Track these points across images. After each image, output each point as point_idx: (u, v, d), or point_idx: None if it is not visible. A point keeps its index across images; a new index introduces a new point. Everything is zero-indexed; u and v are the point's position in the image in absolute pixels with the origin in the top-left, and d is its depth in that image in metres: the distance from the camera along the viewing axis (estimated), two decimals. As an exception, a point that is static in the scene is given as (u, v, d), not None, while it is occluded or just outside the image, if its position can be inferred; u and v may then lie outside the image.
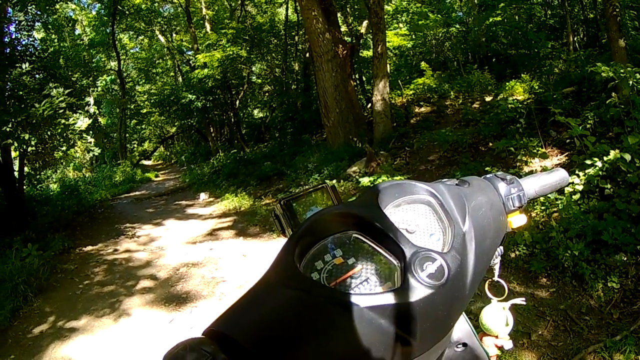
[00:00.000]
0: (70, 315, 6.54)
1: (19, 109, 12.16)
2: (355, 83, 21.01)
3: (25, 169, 14.68)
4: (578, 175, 6.61)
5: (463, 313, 1.05)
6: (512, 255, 6.18)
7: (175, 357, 0.72)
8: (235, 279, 7.56)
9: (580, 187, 6.53)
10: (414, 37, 21.61)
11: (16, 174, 13.96)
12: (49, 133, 13.40)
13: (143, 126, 40.03)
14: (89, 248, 10.27)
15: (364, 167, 12.12)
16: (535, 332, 4.80)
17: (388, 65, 17.15)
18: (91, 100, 32.40)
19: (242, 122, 28.65)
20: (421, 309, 0.77)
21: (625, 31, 13.02)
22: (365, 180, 10.16)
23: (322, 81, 15.48)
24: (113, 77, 37.70)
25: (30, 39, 17.07)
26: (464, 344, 1.07)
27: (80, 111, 15.70)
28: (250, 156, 20.72)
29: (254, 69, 27.87)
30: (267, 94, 29.35)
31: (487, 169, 7.89)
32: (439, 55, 21.94)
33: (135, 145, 44.60)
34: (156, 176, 29.82)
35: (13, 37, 15.82)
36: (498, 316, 1.18)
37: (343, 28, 21.67)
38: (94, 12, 34.89)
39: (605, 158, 6.26)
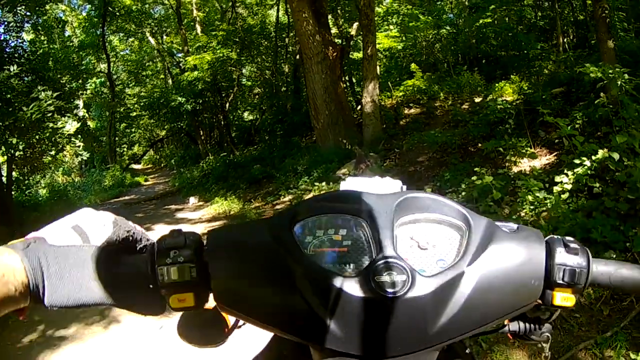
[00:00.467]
0: (59, 324, 6.40)
1: (6, 113, 12.05)
2: (345, 85, 20.97)
3: (14, 174, 14.55)
4: (567, 175, 6.60)
5: None
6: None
7: (169, 233, 0.95)
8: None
9: (569, 186, 6.52)
10: (404, 38, 21.57)
11: (4, 179, 13.82)
12: (37, 137, 13.30)
13: (133, 129, 39.90)
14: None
15: (354, 169, 12.09)
16: (525, 330, 4.77)
17: (378, 67, 17.16)
18: (80, 103, 32.27)
19: (232, 125, 28.60)
20: (354, 308, 0.82)
21: (614, 32, 13.07)
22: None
23: (311, 83, 15.45)
24: (103, 79, 37.61)
25: (19, 41, 16.95)
26: None
27: (69, 114, 15.59)
28: (240, 159, 20.70)
29: (244, 71, 27.92)
30: (257, 97, 29.30)
31: (476, 169, 7.84)
32: (429, 56, 21.97)
33: (125, 149, 44.47)
34: (146, 180, 29.75)
35: (2, 38, 15.69)
36: None
37: (333, 30, 21.68)
38: (84, 14, 34.84)
39: (593, 157, 6.24)
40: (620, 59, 10.10)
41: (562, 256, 0.92)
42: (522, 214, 6.81)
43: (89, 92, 36.79)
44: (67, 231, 0.93)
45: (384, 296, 0.81)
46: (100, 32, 30.87)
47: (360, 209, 0.96)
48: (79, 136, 16.10)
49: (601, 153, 6.12)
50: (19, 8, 16.56)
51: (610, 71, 6.65)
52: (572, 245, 0.94)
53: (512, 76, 15.38)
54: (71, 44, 33.99)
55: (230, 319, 1.12)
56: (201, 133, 29.03)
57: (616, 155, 5.92)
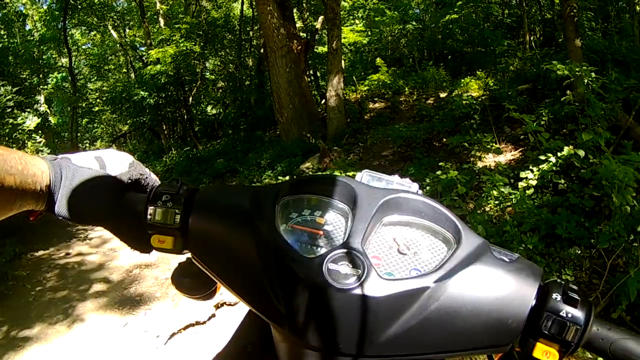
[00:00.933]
0: (23, 324, 6.29)
1: (-36, 109, 11.88)
2: (309, 79, 21.04)
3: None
4: (532, 171, 6.66)
5: None
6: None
7: (169, 181, 1.05)
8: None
9: (534, 182, 6.60)
10: (370, 33, 21.70)
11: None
12: (-5, 133, 13.13)
13: (95, 125, 39.84)
14: (41, 253, 10.02)
15: (318, 163, 12.08)
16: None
17: (343, 61, 17.29)
18: (41, 98, 31.97)
19: (195, 119, 28.50)
20: (304, 291, 0.81)
21: (582, 31, 13.20)
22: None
23: (275, 77, 15.39)
24: (64, 74, 37.23)
25: (-22, 36, 16.80)
26: None
27: (29, 110, 15.48)
28: (204, 154, 20.64)
29: (207, 64, 27.84)
30: (220, 91, 29.32)
31: (440, 163, 7.84)
32: (395, 51, 22.13)
33: (88, 145, 44.32)
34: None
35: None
36: None
37: (298, 23, 21.76)
38: (45, 7, 34.45)
39: (559, 154, 6.30)
40: (587, 57, 10.23)
41: (556, 303, 0.80)
42: (487, 209, 6.88)
43: (50, 87, 36.51)
44: (90, 158, 1.06)
45: (331, 285, 0.79)
46: (62, 26, 30.51)
47: (347, 197, 0.99)
48: (40, 132, 15.94)
49: (567, 150, 6.18)
50: (-23, 2, 16.42)
51: (577, 69, 6.69)
52: (573, 294, 0.81)
53: (478, 72, 15.52)
54: (32, 38, 33.68)
55: None
56: (164, 128, 28.90)
57: (582, 153, 5.99)
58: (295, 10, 20.94)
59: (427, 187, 8.01)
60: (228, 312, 5.70)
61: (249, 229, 0.92)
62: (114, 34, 33.62)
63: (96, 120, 37.05)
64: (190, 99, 26.24)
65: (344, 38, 18.62)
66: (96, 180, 1.01)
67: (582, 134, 6.06)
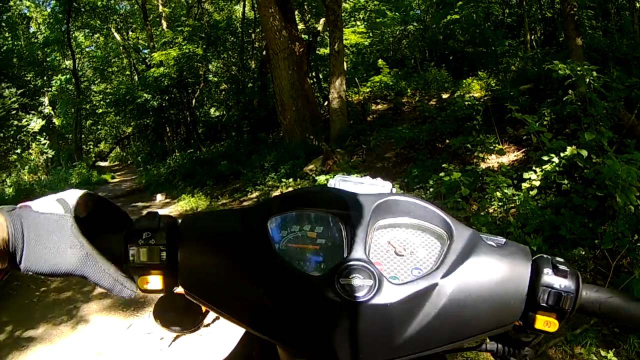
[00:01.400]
0: (27, 324, 6.32)
1: (-31, 110, 11.90)
2: (312, 81, 21.05)
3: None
4: (535, 172, 6.64)
5: None
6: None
7: (145, 215, 0.98)
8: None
9: (537, 183, 6.58)
10: (371, 34, 21.62)
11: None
12: (1, 135, 13.16)
13: (99, 127, 39.82)
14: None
15: (321, 165, 12.08)
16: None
17: (345, 63, 17.20)
18: (45, 100, 32.05)
19: (199, 121, 28.53)
20: (317, 310, 0.81)
21: (582, 30, 13.17)
22: (322, 178, 10.08)
23: (278, 79, 15.39)
24: (68, 76, 37.38)
25: (-17, 38, 16.82)
26: None
27: (33, 112, 15.52)
28: (207, 156, 20.62)
29: (210, 67, 27.84)
30: (223, 93, 29.30)
31: (443, 165, 7.85)
32: (397, 53, 22.09)
33: (91, 147, 44.39)
34: (113, 177, 29.52)
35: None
36: None
37: (300, 26, 21.71)
38: (48, 10, 34.53)
39: (562, 154, 6.28)
40: (589, 56, 10.20)
41: (548, 277, 0.86)
42: (491, 211, 6.86)
43: (54, 89, 36.68)
44: (52, 202, 0.94)
45: (348, 300, 0.79)
46: (65, 29, 30.63)
47: (338, 207, 0.97)
48: (44, 134, 15.99)
49: (569, 150, 6.16)
50: (-19, 5, 16.43)
51: (579, 68, 6.69)
52: (562, 267, 0.88)
53: (479, 73, 15.47)
54: (36, 40, 33.84)
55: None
56: (167, 130, 28.93)
57: (584, 153, 5.97)
58: (296, 13, 20.94)
59: (431, 189, 8.02)
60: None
61: (245, 253, 0.90)
62: (117, 37, 33.79)
63: (100, 122, 37.09)
64: (194, 101, 26.30)
65: (346, 40, 18.55)
66: (64, 226, 0.90)
67: (585, 134, 6.06)
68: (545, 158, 6.48)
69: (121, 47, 35.93)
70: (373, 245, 0.93)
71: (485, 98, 11.48)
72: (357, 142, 13.42)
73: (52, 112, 33.99)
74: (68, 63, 35.82)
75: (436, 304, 0.80)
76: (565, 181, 6.44)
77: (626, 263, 5.06)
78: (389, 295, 0.79)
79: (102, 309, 6.65)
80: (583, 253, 5.33)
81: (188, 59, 22.28)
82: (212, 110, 31.18)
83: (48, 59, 32.55)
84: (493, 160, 8.97)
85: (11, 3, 24.50)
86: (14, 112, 12.82)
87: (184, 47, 21.49)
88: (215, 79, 28.98)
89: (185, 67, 22.90)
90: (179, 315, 1.08)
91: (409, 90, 16.90)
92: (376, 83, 17.67)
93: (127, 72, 39.33)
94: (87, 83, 38.66)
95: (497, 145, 8.99)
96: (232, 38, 25.72)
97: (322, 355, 0.81)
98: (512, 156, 8.88)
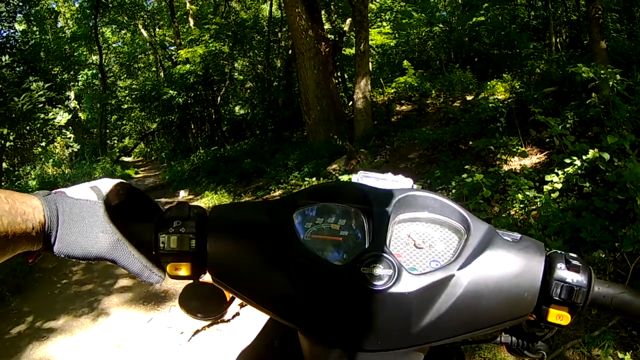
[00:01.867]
0: (48, 315, 6.38)
1: (-3, 103, 11.99)
2: (337, 81, 20.98)
3: (4, 164, 14.45)
4: (557, 174, 6.59)
5: None
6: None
7: (175, 205, 1.02)
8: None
9: (559, 186, 6.52)
10: (397, 35, 21.53)
11: (-5, 170, 13.73)
12: (27, 128, 13.25)
13: (124, 122, 39.63)
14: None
15: (344, 165, 12.08)
16: (512, 329, 4.77)
17: (370, 64, 17.16)
18: (71, 94, 32.18)
19: (223, 119, 28.45)
20: (338, 297, 0.85)
21: (607, 33, 13.07)
22: (345, 178, 10.08)
23: (303, 78, 15.43)
24: (94, 71, 37.43)
25: (11, 31, 16.92)
26: None
27: (60, 106, 15.56)
28: (231, 153, 20.56)
29: (236, 65, 27.81)
30: (248, 91, 29.17)
31: (466, 167, 7.84)
32: (422, 54, 22.01)
33: (116, 142, 44.34)
34: (136, 173, 29.47)
35: (-6, 28, 15.67)
36: None
37: (326, 25, 21.58)
38: (76, 5, 34.63)
39: (584, 157, 6.23)
40: (613, 59, 10.12)
41: (561, 272, 0.90)
42: (512, 213, 6.83)
43: (80, 83, 36.79)
44: (86, 189, 0.99)
45: (368, 288, 0.82)
46: (93, 24, 30.66)
47: (361, 201, 1.00)
48: (70, 128, 16.04)
49: (592, 153, 6.12)
50: (11, -2, 16.52)
51: (602, 71, 6.64)
52: (574, 262, 0.91)
53: (504, 75, 15.39)
54: (63, 35, 33.88)
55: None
56: (192, 126, 28.90)
57: (607, 156, 5.92)
58: (323, 12, 20.88)
59: (453, 190, 8.01)
60: (252, 312, 5.73)
61: (271, 243, 0.93)
62: (144, 33, 33.82)
63: (125, 118, 36.87)
64: (219, 98, 26.24)
65: (372, 40, 18.46)
66: (96, 213, 0.95)
67: (607, 137, 6.01)
68: (568, 161, 6.43)
69: (148, 44, 35.85)
70: (394, 238, 0.96)
71: (509, 100, 11.40)
72: (380, 143, 13.38)
73: (78, 107, 34.12)
74: (95, 58, 35.90)
75: (452, 295, 0.84)
76: (587, 184, 6.42)
77: (645, 266, 5.06)
78: (408, 284, 0.82)
79: (123, 303, 6.72)
80: (603, 256, 5.29)
81: (214, 57, 22.27)
82: (237, 108, 31.07)
83: (75, 54, 32.48)
84: (515, 163, 8.94)
85: (40, -3, 24.72)
86: (40, 105, 12.86)
87: (211, 44, 21.49)
88: (241, 77, 28.88)
89: (211, 64, 22.89)
90: (203, 304, 1.13)
91: (433, 92, 16.83)
92: (401, 84, 17.59)
93: (153, 69, 39.26)
94: (113, 78, 38.58)
95: (519, 147, 8.95)
96: (259, 37, 25.70)
97: (343, 341, 0.85)
98: (534, 158, 8.85)
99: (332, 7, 23.82)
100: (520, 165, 8.67)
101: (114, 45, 40.26)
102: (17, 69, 15.21)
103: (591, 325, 4.54)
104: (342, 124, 15.87)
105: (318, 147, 14.55)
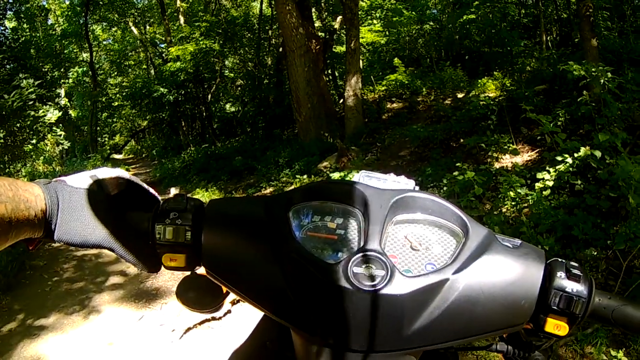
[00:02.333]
0: (39, 313, 6.35)
1: (-13, 100, 11.96)
2: (327, 78, 21.06)
3: (-6, 162, 14.40)
4: (549, 172, 6.61)
5: None
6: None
7: (173, 197, 1.04)
8: (205, 273, 7.42)
9: (550, 183, 6.54)
10: (387, 33, 21.56)
11: (-16, 167, 13.68)
12: (18, 125, 13.20)
13: (114, 119, 39.60)
14: (58, 244, 10.03)
15: (335, 163, 12.10)
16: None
17: (361, 61, 17.19)
18: (62, 92, 32.07)
19: (214, 116, 28.45)
20: (330, 296, 0.84)
21: (598, 31, 13.10)
22: (336, 176, 10.08)
23: (294, 76, 15.42)
24: (85, 68, 37.36)
25: (1, 28, 16.87)
26: None
27: (50, 103, 15.52)
28: (222, 151, 20.56)
29: (226, 62, 27.83)
30: (239, 89, 29.19)
31: (457, 164, 7.84)
32: (412, 51, 22.04)
33: (107, 139, 44.38)
34: (127, 170, 29.33)
35: (-16, 25, 15.63)
36: None
37: (317, 23, 21.65)
38: (67, 2, 34.60)
39: (575, 155, 6.24)
40: (604, 57, 10.16)
41: (561, 281, 0.88)
42: (504, 210, 6.85)
43: (70, 81, 36.71)
44: (85, 178, 1.01)
45: (359, 288, 0.81)
46: (83, 21, 30.64)
47: (357, 200, 0.99)
48: (60, 125, 16.00)
49: (583, 151, 6.13)
50: (1, -5, 16.49)
51: (594, 69, 6.67)
52: (575, 271, 0.90)
53: (495, 72, 15.44)
54: (54, 32, 33.90)
55: None
56: (183, 124, 28.90)
57: (598, 153, 5.94)
58: (313, 10, 20.91)
59: (444, 188, 8.02)
60: (244, 309, 5.70)
61: (266, 238, 0.93)
62: (135, 31, 33.86)
63: (116, 115, 36.86)
64: (209, 96, 26.26)
65: (362, 38, 18.52)
66: (95, 201, 0.98)
67: (599, 135, 6.03)
68: (559, 158, 6.44)
69: (138, 41, 35.93)
70: (389, 238, 0.95)
71: (500, 98, 11.43)
72: (371, 140, 13.40)
73: (69, 104, 34.06)
74: (85, 55, 35.84)
75: (446, 299, 0.83)
76: (579, 182, 6.42)
77: (638, 264, 5.03)
78: (400, 286, 0.81)
79: (114, 300, 6.70)
80: (595, 253, 5.31)
81: (205, 54, 22.27)
82: (227, 106, 31.08)
83: (65, 51, 32.54)
84: (507, 160, 8.96)
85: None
86: (30, 102, 12.83)
87: (201, 42, 21.48)
88: (232, 74, 28.94)
89: (202, 62, 22.87)
90: (200, 296, 1.14)
91: (424, 89, 16.87)
92: (392, 81, 17.65)
93: (144, 66, 39.27)
94: (103, 76, 38.60)
95: (511, 145, 8.97)
96: (249, 34, 25.74)
97: (334, 341, 0.84)
98: (526, 156, 8.87)
99: (322, 4, 23.87)
100: (511, 162, 8.69)
101: (104, 42, 40.30)
102: (7, 66, 15.19)
103: (583, 323, 4.55)
104: (333, 122, 15.92)
105: (309, 145, 14.58)
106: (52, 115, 14.23)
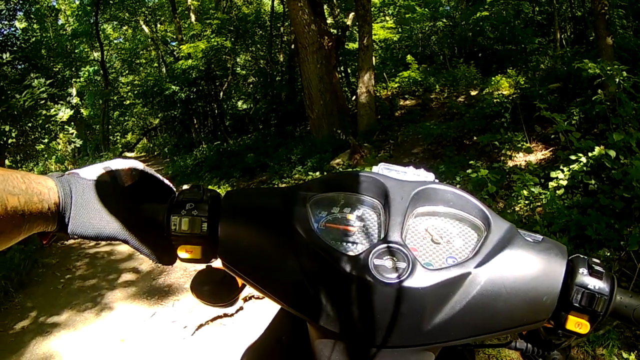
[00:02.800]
0: (52, 311, 6.38)
1: (-1, 100, 12.01)
2: (340, 75, 21.01)
3: (6, 161, 14.45)
4: (562, 171, 6.59)
5: None
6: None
7: (189, 187, 1.03)
8: (217, 270, 7.42)
9: (564, 182, 6.52)
10: (400, 30, 21.57)
11: (-3, 167, 13.74)
12: (30, 124, 13.26)
13: (126, 117, 39.76)
14: (71, 241, 9.97)
15: (348, 159, 12.08)
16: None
17: (374, 58, 17.16)
18: (73, 91, 32.21)
19: (226, 114, 28.43)
20: (350, 288, 0.82)
21: (613, 29, 13.02)
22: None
23: (306, 73, 15.36)
24: (96, 67, 37.54)
25: (12, 29, 16.94)
26: None
27: (62, 102, 15.59)
28: (234, 148, 20.54)
29: (238, 60, 27.83)
30: (251, 86, 29.15)
31: (471, 162, 7.83)
32: (425, 48, 22.04)
33: (118, 137, 44.40)
34: (141, 164, 29.54)
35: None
36: None
37: (329, 20, 21.62)
38: (77, 2, 34.72)
39: (590, 154, 6.23)
40: (619, 56, 10.08)
41: (583, 277, 0.85)
42: (517, 209, 6.82)
43: (82, 80, 36.89)
44: (99, 170, 1.00)
45: (380, 280, 0.80)
46: (94, 21, 30.73)
47: (377, 192, 0.98)
48: (72, 124, 16.06)
49: (597, 150, 6.11)
50: (11, -4, 16.57)
51: (609, 68, 6.61)
52: (597, 267, 0.87)
53: (508, 70, 15.41)
54: (64, 32, 34.06)
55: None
56: (195, 122, 28.89)
57: (612, 153, 5.91)
58: (325, 7, 20.87)
59: (458, 186, 7.99)
60: (256, 306, 5.70)
61: (284, 230, 0.91)
62: (146, 29, 33.86)
63: (127, 113, 37.06)
64: (221, 93, 26.24)
65: (375, 35, 18.44)
66: (109, 194, 0.97)
67: (613, 134, 5.99)
68: (573, 157, 6.43)
69: (149, 40, 35.90)
70: (410, 231, 0.94)
71: (514, 96, 11.39)
72: (384, 137, 13.38)
73: (80, 103, 34.22)
74: (96, 55, 35.99)
75: (468, 293, 0.81)
76: (593, 181, 6.36)
77: (651, 265, 5.03)
78: (421, 279, 0.80)
79: (127, 297, 6.71)
80: (608, 254, 5.27)
81: (216, 52, 22.25)
82: (239, 103, 31.07)
83: (76, 51, 32.61)
84: (520, 159, 8.93)
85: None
86: (42, 101, 12.89)
87: (212, 39, 21.47)
88: (243, 71, 28.94)
89: (213, 59, 22.85)
90: (215, 289, 1.13)
91: (437, 87, 16.89)
92: (404, 79, 17.68)
93: (155, 64, 39.33)
94: (115, 74, 38.69)
95: (524, 143, 8.94)
96: (261, 31, 25.76)
97: (352, 335, 0.83)
98: (539, 155, 8.83)
99: (334, 1, 23.80)
100: (525, 161, 8.65)
101: (115, 41, 40.38)
102: (19, 66, 15.23)
103: (596, 324, 4.53)
104: (346, 119, 15.89)
105: (321, 142, 14.56)
106: (64, 113, 14.30)
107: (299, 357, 1.06)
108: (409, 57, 17.89)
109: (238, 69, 28.41)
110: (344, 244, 0.92)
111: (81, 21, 33.50)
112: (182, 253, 0.98)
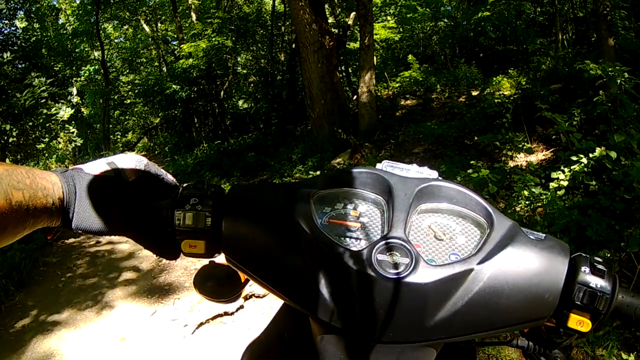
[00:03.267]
0: (52, 309, 6.39)
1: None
2: (341, 75, 20.99)
3: (7, 160, 14.43)
4: (563, 171, 6.60)
5: None
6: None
7: (193, 182, 1.03)
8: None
9: (565, 183, 6.53)
10: (401, 30, 21.56)
11: (-3, 166, 13.74)
12: (30, 124, 13.27)
13: (127, 117, 39.71)
14: (71, 240, 10.05)
15: (349, 159, 12.09)
16: (517, 328, 4.75)
17: (375, 58, 17.15)
18: (74, 90, 32.23)
19: (227, 113, 28.41)
20: (353, 284, 0.83)
21: (615, 30, 13.02)
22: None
23: (307, 72, 15.38)
24: (97, 67, 37.47)
25: (13, 28, 16.96)
26: None
27: (62, 101, 15.61)
28: (234, 147, 20.54)
29: (239, 59, 27.82)
30: (252, 85, 29.16)
31: (472, 162, 7.83)
32: (427, 48, 22.05)
33: (119, 136, 44.39)
34: (143, 159, 29.51)
35: (-5, 25, 15.73)
36: None
37: (330, 19, 21.60)
38: (77, 1, 34.69)
39: (590, 155, 6.23)
40: (621, 57, 10.06)
41: (585, 276, 0.86)
42: (518, 209, 6.83)
43: (82, 79, 36.88)
44: (103, 165, 1.02)
45: (383, 275, 0.81)
46: (94, 20, 30.70)
47: (381, 189, 1.00)
48: (73, 123, 16.07)
49: (598, 151, 6.11)
50: (12, -5, 16.60)
51: (610, 69, 6.61)
52: (599, 266, 0.88)
53: (510, 70, 15.41)
54: (65, 31, 34.05)
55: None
56: (195, 121, 28.88)
57: (613, 154, 5.91)
58: (327, 6, 20.87)
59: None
60: (256, 304, 5.72)
61: (288, 225, 0.92)
62: (146, 28, 33.85)
63: (128, 113, 36.96)
64: (222, 92, 26.22)
65: (376, 34, 18.47)
66: (113, 189, 0.98)
67: (614, 135, 5.98)
68: (574, 158, 6.44)
69: (150, 39, 35.86)
70: (413, 227, 0.94)
71: (515, 96, 11.40)
72: (385, 137, 13.36)
73: (81, 102, 34.25)
74: (97, 54, 35.92)
75: (470, 290, 0.82)
76: (593, 182, 6.38)
77: (652, 267, 5.03)
78: (425, 275, 0.81)
79: (127, 296, 6.72)
80: (609, 255, 5.27)
81: (217, 51, 22.22)
82: (240, 102, 31.03)
83: (77, 50, 32.70)
84: (521, 159, 8.94)
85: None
86: (43, 101, 12.91)
87: (213, 39, 21.44)
88: (244, 71, 28.96)
89: (214, 59, 22.84)
90: (218, 285, 1.13)
91: (438, 87, 16.87)
92: (406, 78, 17.66)
93: (156, 64, 39.29)
94: (115, 74, 38.62)
95: (525, 143, 8.94)
96: (262, 31, 25.73)
97: (354, 330, 0.83)
98: (540, 155, 8.84)
99: (335, 0, 23.80)
100: (526, 161, 8.66)
101: (116, 40, 40.37)
102: (19, 65, 15.28)
103: (597, 323, 4.53)
104: (347, 118, 15.87)
105: (322, 141, 14.56)
106: (65, 113, 14.30)
107: (301, 353, 1.08)
108: (410, 56, 17.88)
109: (239, 68, 28.43)
110: (347, 239, 0.93)
111: (82, 20, 33.42)
112: (186, 248, 0.99)
